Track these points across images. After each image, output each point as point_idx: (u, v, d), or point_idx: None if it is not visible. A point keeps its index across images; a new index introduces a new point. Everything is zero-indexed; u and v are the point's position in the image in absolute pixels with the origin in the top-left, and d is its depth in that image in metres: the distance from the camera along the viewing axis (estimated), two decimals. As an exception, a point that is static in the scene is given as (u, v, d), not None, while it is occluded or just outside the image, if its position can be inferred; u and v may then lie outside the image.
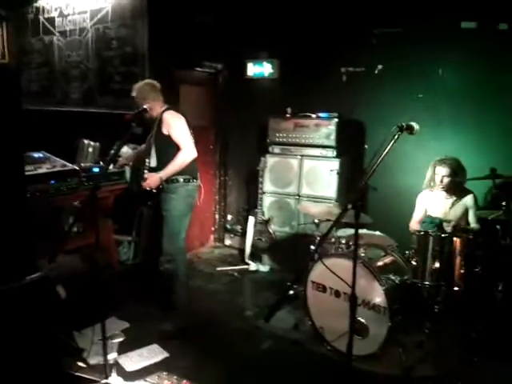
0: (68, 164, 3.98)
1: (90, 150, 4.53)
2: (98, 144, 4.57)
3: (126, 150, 4.27)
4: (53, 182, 3.72)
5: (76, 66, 5.39)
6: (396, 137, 1.98)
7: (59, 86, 5.62)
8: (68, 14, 5.36)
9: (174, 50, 4.73)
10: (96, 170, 4.19)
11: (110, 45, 5.00)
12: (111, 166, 4.23)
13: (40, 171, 3.70)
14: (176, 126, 3.49)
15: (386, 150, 1.91)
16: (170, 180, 3.49)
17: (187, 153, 3.45)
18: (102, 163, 4.40)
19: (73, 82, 5.45)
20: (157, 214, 3.72)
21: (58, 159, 3.99)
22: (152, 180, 3.45)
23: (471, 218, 3.71)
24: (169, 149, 3.47)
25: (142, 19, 4.68)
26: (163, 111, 3.52)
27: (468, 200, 3.71)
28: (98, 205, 4.04)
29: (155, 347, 3.30)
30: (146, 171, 3.53)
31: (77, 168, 3.98)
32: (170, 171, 3.44)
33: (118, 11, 4.87)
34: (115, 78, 5.01)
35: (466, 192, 3.72)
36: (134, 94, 3.58)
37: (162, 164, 3.48)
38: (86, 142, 4.56)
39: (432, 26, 4.18)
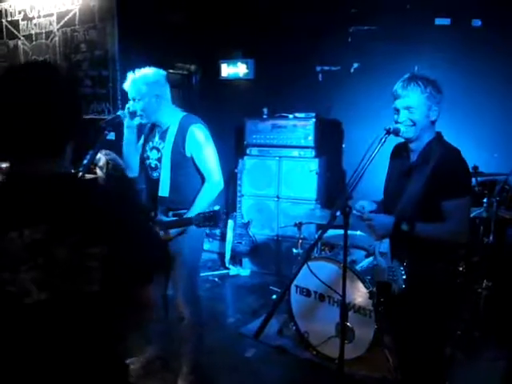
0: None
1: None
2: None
3: (98, 157, 4.12)
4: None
5: (44, 71, 5.20)
6: (383, 140, 1.93)
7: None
8: (33, 17, 5.17)
9: (145, 52, 4.60)
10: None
11: (79, 48, 4.85)
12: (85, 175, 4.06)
13: None
14: (208, 148, 2.64)
15: (374, 154, 1.85)
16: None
17: (218, 185, 2.66)
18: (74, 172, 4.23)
19: (40, 87, 5.26)
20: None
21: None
22: None
23: None
24: (188, 174, 2.65)
25: (111, 21, 4.55)
26: (186, 121, 2.65)
27: None
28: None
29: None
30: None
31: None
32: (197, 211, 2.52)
33: (86, 13, 4.72)
34: (85, 83, 4.85)
35: None
36: (141, 89, 2.60)
37: (177, 194, 2.63)
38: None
39: (406, 23, 4.18)
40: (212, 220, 2.43)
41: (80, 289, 1.14)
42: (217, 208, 2.47)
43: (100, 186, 1.33)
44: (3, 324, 1.11)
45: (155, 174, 2.71)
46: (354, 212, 2.08)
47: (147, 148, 2.77)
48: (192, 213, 2.51)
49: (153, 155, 2.73)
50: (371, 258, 3.51)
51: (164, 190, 2.64)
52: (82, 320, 1.17)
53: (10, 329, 1.11)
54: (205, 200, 2.61)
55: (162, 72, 2.73)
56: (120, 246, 1.18)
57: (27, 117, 1.11)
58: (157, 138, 2.73)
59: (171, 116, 2.69)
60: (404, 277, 2.01)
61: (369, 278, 3.19)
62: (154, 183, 2.70)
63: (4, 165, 3.65)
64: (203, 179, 2.66)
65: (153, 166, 2.73)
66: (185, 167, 2.64)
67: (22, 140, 1.13)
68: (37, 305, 1.10)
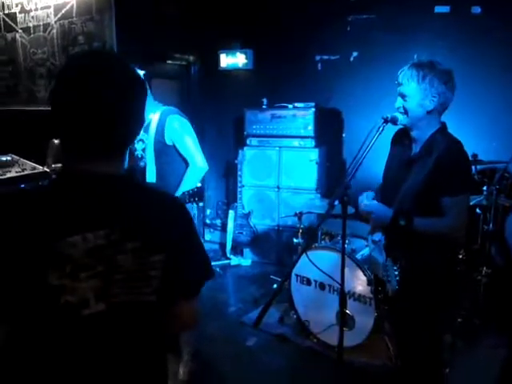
0: (38, 166, 3.81)
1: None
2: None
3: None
4: (22, 185, 3.57)
5: (42, 64, 5.19)
6: (381, 129, 1.94)
7: (25, 84, 5.41)
8: (30, 10, 5.14)
9: (143, 43, 4.59)
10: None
11: (77, 40, 4.82)
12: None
13: (9, 175, 3.54)
14: (187, 135, 2.86)
15: (372, 143, 1.86)
16: None
17: (202, 168, 2.88)
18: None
19: (39, 79, 5.25)
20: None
21: (27, 162, 3.83)
22: None
23: None
24: (172, 161, 2.88)
25: (109, 12, 4.52)
26: (165, 113, 2.86)
27: None
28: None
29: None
30: None
31: (47, 170, 3.82)
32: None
33: (83, 5, 4.69)
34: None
35: None
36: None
37: (163, 181, 2.83)
38: (55, 141, 4.39)
39: (406, 11, 4.14)
40: (196, 196, 2.60)
41: (138, 299, 1.07)
42: (199, 185, 2.70)
43: (156, 189, 1.25)
44: (60, 337, 1.01)
45: (141, 164, 2.92)
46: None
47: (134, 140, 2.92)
48: (177, 194, 2.70)
49: (139, 146, 2.93)
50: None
51: (150, 178, 2.86)
52: (136, 332, 1.10)
53: (65, 342, 1.02)
54: (189, 183, 2.80)
55: (140, 71, 2.79)
56: (177, 254, 1.12)
57: (107, 116, 1.02)
58: (141, 131, 2.86)
59: (153, 110, 2.87)
60: (397, 278, 2.02)
61: (368, 266, 3.21)
62: (141, 172, 2.91)
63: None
64: (188, 165, 2.88)
65: (139, 156, 2.93)
66: (168, 155, 2.86)
67: (97, 139, 1.03)
68: (93, 316, 1.01)
